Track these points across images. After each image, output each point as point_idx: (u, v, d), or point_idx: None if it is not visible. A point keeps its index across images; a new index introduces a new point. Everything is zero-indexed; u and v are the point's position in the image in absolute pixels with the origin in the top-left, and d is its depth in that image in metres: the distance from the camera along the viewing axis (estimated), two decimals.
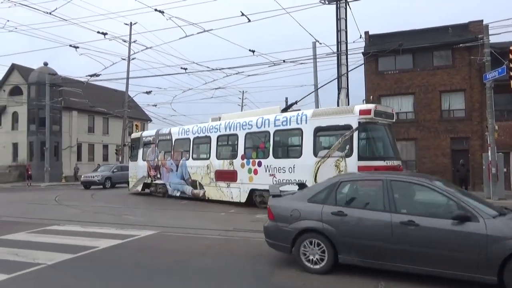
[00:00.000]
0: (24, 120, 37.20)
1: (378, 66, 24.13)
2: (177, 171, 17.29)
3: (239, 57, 62.64)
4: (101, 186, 25.53)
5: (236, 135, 14.64)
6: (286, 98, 35.93)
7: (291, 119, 13.00)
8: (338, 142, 11.74)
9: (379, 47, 23.61)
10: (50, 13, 14.98)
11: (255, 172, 13.75)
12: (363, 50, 24.32)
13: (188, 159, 16.65)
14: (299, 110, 13.67)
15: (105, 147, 44.64)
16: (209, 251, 7.41)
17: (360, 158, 11.36)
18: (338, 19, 29.81)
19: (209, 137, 15.76)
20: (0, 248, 7.66)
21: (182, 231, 9.49)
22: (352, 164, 11.32)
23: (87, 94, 35.91)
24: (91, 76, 20.08)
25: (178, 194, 17.37)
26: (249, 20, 13.63)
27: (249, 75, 18.72)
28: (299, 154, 12.45)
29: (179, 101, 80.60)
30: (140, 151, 20.18)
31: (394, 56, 23.68)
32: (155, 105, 34.42)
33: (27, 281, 5.72)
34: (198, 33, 14.64)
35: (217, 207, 14.48)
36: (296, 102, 14.34)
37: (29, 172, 31.44)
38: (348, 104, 30.96)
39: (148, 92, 36.03)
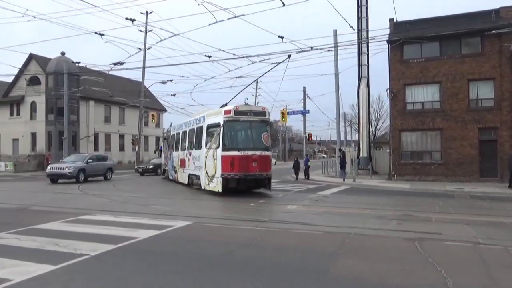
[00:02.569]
0: (42, 110, 37.38)
1: (403, 54, 23.45)
2: (171, 160, 22.20)
3: (266, 44, 62.17)
4: (73, 180, 21.34)
5: (185, 131, 18.92)
6: (304, 88, 35.39)
7: (199, 118, 16.60)
8: (215, 137, 14.92)
9: (405, 34, 22.93)
10: None
11: (189, 160, 17.95)
12: (387, 38, 23.65)
13: (173, 150, 21.41)
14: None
15: (121, 137, 44.78)
16: (253, 243, 7.16)
17: (223, 149, 14.49)
18: (359, 6, 29.16)
19: (179, 133, 20.22)
20: (39, 237, 7.52)
21: (217, 222, 9.28)
22: (219, 154, 14.54)
23: (101, 83, 35.88)
24: (115, 64, 19.87)
25: (171, 177, 22.08)
26: (284, 5, 13.15)
27: (273, 63, 18.28)
28: (201, 147, 16.00)
29: (199, 91, 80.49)
30: (165, 143, 25.11)
31: (420, 44, 22.98)
32: (174, 95, 34.24)
33: (76, 272, 5.53)
34: (228, 18, 14.23)
35: (244, 198, 14.39)
36: (226, 104, 16.14)
37: (49, 162, 31.66)
38: (369, 94, 30.45)
39: (164, 82, 35.75)
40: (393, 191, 17.56)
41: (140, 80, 39.37)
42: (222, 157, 14.43)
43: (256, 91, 61.32)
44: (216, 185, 14.74)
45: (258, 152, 14.57)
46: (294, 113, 32.89)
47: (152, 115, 39.79)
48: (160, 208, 11.75)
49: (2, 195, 15.39)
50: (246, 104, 15.34)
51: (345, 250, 6.73)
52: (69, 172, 21.08)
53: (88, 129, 40.94)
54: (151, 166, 29.51)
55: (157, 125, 49.06)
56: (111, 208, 11.62)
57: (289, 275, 5.41)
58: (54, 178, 21.54)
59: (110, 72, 26.46)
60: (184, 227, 8.59)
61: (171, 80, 30.92)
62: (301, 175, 25.58)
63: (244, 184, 14.69)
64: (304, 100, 34.39)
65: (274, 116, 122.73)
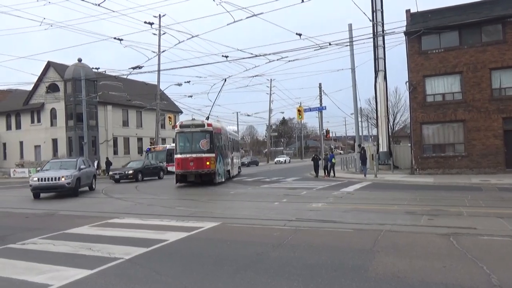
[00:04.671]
0: (62, 116, 38.11)
1: (421, 45, 23.01)
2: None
3: (283, 42, 61.94)
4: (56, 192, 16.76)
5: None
6: (320, 84, 35.10)
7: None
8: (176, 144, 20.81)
9: (422, 25, 22.46)
10: (99, 5, 14.92)
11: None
12: (404, 30, 23.25)
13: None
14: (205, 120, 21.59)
15: (139, 140, 45.33)
16: (284, 243, 7.10)
17: (176, 153, 20.70)
18: None
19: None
20: (71, 242, 7.61)
21: (245, 222, 9.25)
22: (174, 157, 21.00)
23: (119, 88, 36.27)
24: (133, 68, 20.05)
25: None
26: (303, 1, 13.02)
27: (290, 60, 18.13)
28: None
29: (215, 91, 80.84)
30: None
31: (438, 34, 22.50)
32: (190, 96, 34.48)
33: (114, 276, 5.56)
34: (247, 17, 14.18)
35: (269, 197, 14.43)
36: (208, 118, 22.51)
37: None
38: (386, 88, 30.05)
39: (180, 84, 36.00)
40: (417, 185, 17.26)
41: (156, 83, 39.75)
42: (175, 159, 20.82)
43: (270, 90, 61.24)
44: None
45: (194, 155, 20.16)
46: (310, 110, 32.70)
47: (169, 117, 40.21)
48: (185, 209, 11.80)
49: (28, 201, 15.71)
50: (193, 118, 21.24)
51: (380, 247, 6.61)
52: (67, 183, 16.16)
53: (107, 133, 41.55)
54: (130, 172, 25.54)
55: (174, 126, 49.57)
56: (138, 211, 11.71)
57: (326, 274, 5.32)
58: (40, 193, 16.39)
59: (128, 77, 26.76)
60: (212, 228, 8.58)
61: (188, 82, 30.83)
62: (320, 172, 25.38)
63: (189, 178, 20.56)
64: (320, 96, 34.15)
65: (289, 114, 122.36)
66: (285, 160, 62.47)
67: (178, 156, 20.68)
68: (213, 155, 20.40)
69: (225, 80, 25.83)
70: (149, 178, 26.76)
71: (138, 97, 39.39)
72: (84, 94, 32.80)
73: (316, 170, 25.34)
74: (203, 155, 20.22)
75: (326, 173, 24.79)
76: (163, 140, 45.22)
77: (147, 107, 39.69)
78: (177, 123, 21.81)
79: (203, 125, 20.58)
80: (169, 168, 30.12)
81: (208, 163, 20.28)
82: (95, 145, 38.09)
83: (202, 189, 19.21)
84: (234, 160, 27.94)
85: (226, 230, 8.44)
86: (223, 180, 22.09)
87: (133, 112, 44.87)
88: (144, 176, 26.17)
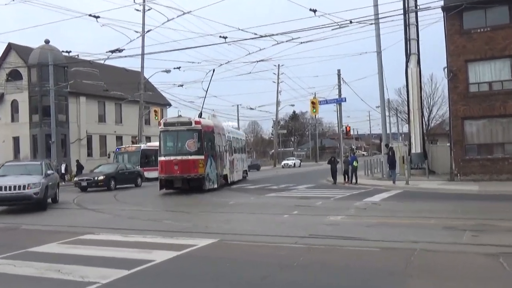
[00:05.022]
0: (25, 110, 38.25)
1: (463, 24, 22.91)
2: None
3: (294, 20, 61.87)
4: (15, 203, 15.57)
5: None
6: (339, 71, 35.06)
7: None
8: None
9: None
10: None
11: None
12: (442, 4, 23.16)
13: None
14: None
15: (119, 138, 45.46)
16: (294, 264, 7.09)
17: (160, 155, 21.97)
18: None
19: None
20: (36, 263, 7.61)
21: (247, 239, 9.25)
22: (158, 159, 22.44)
23: (94, 75, 36.33)
24: (112, 52, 20.14)
25: None
26: None
27: (302, 42, 18.12)
28: None
29: (212, 79, 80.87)
30: None
31: (484, 10, 22.39)
32: (181, 85, 34.56)
33: None
34: None
35: (276, 208, 14.47)
36: (200, 115, 23.60)
37: None
38: (420, 75, 30.09)
39: (168, 71, 36.18)
40: (458, 194, 17.19)
41: (139, 69, 39.85)
42: (159, 162, 22.00)
43: (278, 78, 61.29)
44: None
45: (179, 157, 21.03)
46: (327, 102, 32.63)
47: (155, 111, 40.35)
48: (175, 224, 11.80)
49: None
50: (180, 115, 22.14)
51: (413, 270, 6.57)
52: (35, 194, 15.05)
53: (80, 131, 41.72)
54: (100, 177, 24.78)
55: (159, 124, 49.86)
56: (116, 225, 11.73)
57: None
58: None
59: (106, 62, 26.89)
60: (208, 246, 8.58)
61: (179, 68, 30.86)
62: (339, 178, 25.34)
63: (176, 183, 21.53)
64: (339, 85, 34.09)
65: (300, 107, 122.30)
66: (294, 164, 62.65)
67: (162, 158, 21.63)
68: (202, 157, 21.27)
69: (214, 71, 26.34)
70: (123, 186, 26.27)
71: (118, 87, 39.53)
72: (52, 83, 32.92)
73: (334, 176, 25.31)
74: (190, 157, 21.13)
75: (347, 179, 24.75)
76: (148, 139, 45.38)
77: (128, 99, 39.84)
78: (161, 121, 23.20)
79: (190, 123, 21.55)
80: (146, 174, 30.17)
81: (195, 166, 21.09)
82: (65, 145, 38.25)
83: (194, 198, 19.26)
84: (236, 163, 28.29)
85: (224, 249, 8.42)
86: (216, 186, 22.57)
87: (111, 105, 45.06)
88: (117, 183, 25.76)
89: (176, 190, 22.18)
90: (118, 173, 26.26)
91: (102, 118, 44.76)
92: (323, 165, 55.87)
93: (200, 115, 23.88)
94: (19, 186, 14.95)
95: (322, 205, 14.83)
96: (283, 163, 63.14)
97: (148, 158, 33.98)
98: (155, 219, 12.87)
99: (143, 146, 34.96)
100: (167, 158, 21.43)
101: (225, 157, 25.31)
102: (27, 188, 14.93)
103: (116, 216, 13.74)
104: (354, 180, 24.17)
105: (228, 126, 30.76)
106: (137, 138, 40.20)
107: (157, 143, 37.41)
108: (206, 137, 21.99)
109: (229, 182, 25.65)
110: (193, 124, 21.54)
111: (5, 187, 14.83)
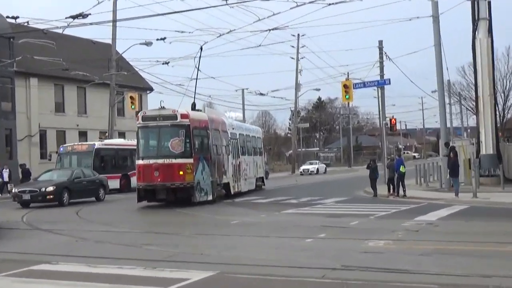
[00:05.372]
0: None
1: None
2: None
3: None
4: None
5: None
6: (380, 43, 34.88)
7: None
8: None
9: None
10: None
11: None
12: None
13: None
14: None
15: (83, 134, 45.79)
16: None
17: (138, 157, 22.99)
18: None
19: None
20: None
21: (258, 271, 9.18)
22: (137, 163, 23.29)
23: (50, 49, 36.47)
24: (74, 18, 20.18)
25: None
26: None
27: (330, 4, 18.04)
28: None
29: (208, 54, 79.31)
30: None
31: None
32: (167, 63, 34.52)
33: None
34: None
35: (296, 230, 14.43)
36: (194, 106, 24.92)
37: None
38: (492, 48, 29.94)
39: (149, 43, 36.28)
40: None
41: (110, 41, 39.92)
42: (136, 166, 23.20)
43: (297, 52, 61.22)
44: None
45: (161, 160, 21.72)
46: (365, 85, 32.55)
47: (131, 98, 40.42)
48: (158, 250, 11.80)
49: None
50: (162, 107, 22.65)
51: None
52: None
53: (30, 124, 42.01)
54: (49, 188, 24.25)
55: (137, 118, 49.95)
56: (80, 252, 11.75)
57: None
58: None
59: (65, 32, 26.89)
60: (205, 281, 8.53)
61: (163, 39, 30.74)
62: (381, 189, 25.25)
63: (158, 194, 22.35)
64: (381, 62, 33.93)
65: (328, 92, 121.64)
66: (316, 169, 62.68)
67: (140, 162, 22.57)
68: (190, 160, 21.96)
69: (201, 49, 27.09)
70: (80, 200, 25.87)
71: (82, 65, 39.77)
72: None
73: (374, 186, 25.21)
74: (174, 160, 21.82)
75: (392, 191, 24.64)
76: (122, 135, 45.61)
77: (95, 81, 40.03)
78: (139, 114, 23.99)
79: (174, 117, 22.24)
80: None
81: (181, 172, 21.77)
82: (10, 144, 38.54)
83: (183, 215, 19.39)
84: (244, 168, 28.84)
85: (227, 284, 8.38)
86: (210, 198, 23.06)
87: (72, 90, 45.36)
88: (73, 196, 25.47)
89: (159, 202, 22.59)
90: (73, 183, 25.68)
91: (60, 107, 45.06)
92: (359, 170, 55.59)
93: (193, 106, 24.30)
94: None
95: (359, 226, 14.75)
96: (301, 168, 63.08)
97: (105, 161, 33.92)
98: (132, 243, 12.88)
99: (97, 144, 34.49)
100: (146, 161, 22.12)
101: (227, 161, 25.71)
102: None
103: (79, 239, 13.73)
104: (401, 192, 24.04)
105: (232, 119, 30.96)
106: (107, 134, 40.32)
107: (121, 141, 38.07)
108: (196, 134, 22.66)
109: (232, 193, 25.98)
110: (179, 118, 22.10)
111: None
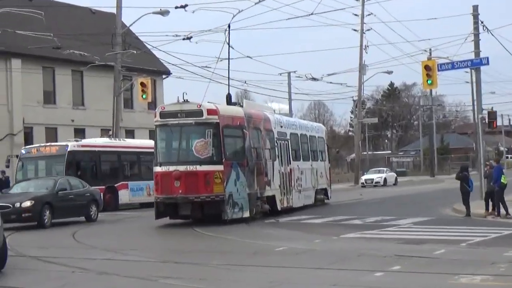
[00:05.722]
0: None
1: None
2: None
3: None
4: None
5: None
6: (475, 8, 34.45)
7: None
8: None
9: None
10: None
11: None
12: None
13: None
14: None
15: (79, 131, 46.32)
16: None
17: (155, 163, 23.91)
18: None
19: None
20: None
21: None
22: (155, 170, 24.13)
23: (37, 22, 36.99)
24: None
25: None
26: None
27: None
28: None
29: (241, 27, 79.47)
30: None
31: None
32: (188, 38, 34.76)
33: None
34: None
35: (361, 261, 14.46)
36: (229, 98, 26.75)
37: None
38: None
39: (164, 12, 36.58)
40: None
41: (113, 10, 40.23)
42: (154, 174, 23.95)
43: (362, 22, 60.84)
44: None
45: (182, 167, 22.35)
46: (453, 66, 32.18)
47: (142, 84, 40.69)
48: (180, 286, 11.94)
49: None
50: (185, 100, 23.23)
51: None
52: None
53: (13, 119, 42.66)
54: (26, 204, 23.84)
55: (153, 104, 50.00)
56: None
57: None
58: None
59: None
60: None
61: (184, 7, 30.87)
62: (476, 206, 24.96)
63: (182, 210, 23.06)
64: (476, 35, 33.47)
65: (402, 76, 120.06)
66: (383, 180, 61.40)
67: (158, 169, 23.36)
68: (220, 167, 22.66)
69: (229, 28, 28.56)
70: (66, 220, 25.85)
71: (78, 42, 40.22)
72: None
73: (466, 201, 24.94)
74: (199, 167, 22.56)
75: (491, 208, 24.33)
76: (129, 133, 46.01)
77: (96, 63, 40.41)
78: (156, 109, 24.79)
79: (199, 113, 22.95)
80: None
81: (207, 182, 22.47)
82: None
83: (211, 239, 19.56)
84: (298, 177, 29.26)
85: None
86: (246, 215, 23.50)
87: (66, 74, 45.92)
88: (56, 214, 25.14)
89: (184, 219, 23.47)
90: (56, 197, 25.21)
91: (50, 98, 45.70)
92: (446, 181, 54.82)
93: (228, 98, 25.54)
94: None
95: (446, 256, 14.63)
96: (363, 178, 62.14)
97: (82, 168, 32.94)
98: (146, 275, 12.98)
99: (71, 145, 33.34)
100: (165, 168, 22.83)
101: (271, 168, 26.06)
102: None
103: (77, 269, 13.85)
104: (503, 210, 23.75)
105: (279, 115, 31.07)
106: (110, 132, 40.68)
107: (105, 140, 37.59)
108: (228, 134, 23.28)
109: (279, 208, 26.39)
110: (205, 115, 22.72)
111: None
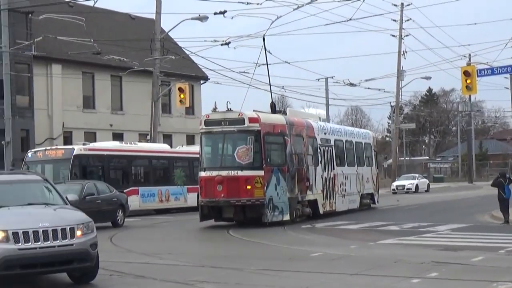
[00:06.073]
0: None
1: None
2: None
3: None
4: None
5: None
6: None
7: None
8: None
9: None
10: None
11: None
12: None
13: None
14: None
15: (118, 136, 46.67)
16: None
17: (200, 168, 25.46)
18: None
19: None
20: None
21: None
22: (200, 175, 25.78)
23: (78, 28, 37.34)
24: None
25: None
26: None
27: None
28: None
29: (280, 32, 79.73)
30: None
31: None
32: (227, 44, 34.82)
33: None
34: None
35: (397, 267, 14.41)
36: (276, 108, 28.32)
37: None
38: None
39: (203, 18, 36.72)
40: None
41: (153, 16, 40.54)
42: (199, 179, 25.57)
43: (400, 28, 60.48)
44: None
45: (224, 172, 23.71)
46: (493, 71, 31.88)
47: (180, 89, 40.93)
48: None
49: None
50: (228, 109, 24.61)
51: None
52: (92, 246, 12.59)
53: (53, 123, 43.18)
54: None
55: (191, 109, 50.26)
56: None
57: None
58: None
59: (98, 4, 27.31)
60: None
61: (223, 13, 31.02)
62: None
63: (225, 212, 24.30)
64: None
65: (441, 81, 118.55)
66: (415, 186, 60.50)
67: (202, 174, 24.97)
68: (261, 172, 23.90)
69: (264, 39, 29.09)
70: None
71: (118, 47, 40.53)
72: (5, 41, 34.16)
73: (505, 208, 24.70)
74: (240, 172, 23.84)
75: None
76: (167, 137, 46.22)
77: (134, 68, 40.69)
78: (202, 117, 26.17)
79: (241, 121, 24.32)
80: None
81: (248, 186, 23.68)
82: (27, 148, 39.54)
83: (247, 243, 19.80)
84: (339, 182, 30.10)
85: None
86: (286, 218, 24.33)
87: (105, 79, 46.36)
88: None
89: (228, 222, 24.49)
90: (84, 202, 24.06)
91: (89, 102, 46.18)
92: (484, 188, 54.17)
93: (273, 107, 27.01)
94: (57, 231, 11.95)
95: (484, 263, 14.49)
96: (394, 185, 61.26)
97: (89, 173, 32.41)
98: (182, 279, 13.04)
99: (78, 149, 32.51)
100: (209, 173, 24.35)
101: (313, 173, 27.04)
102: (73, 235, 12.09)
103: (115, 273, 14.01)
104: None
105: (324, 122, 32.09)
106: (148, 136, 40.99)
107: (115, 144, 37.08)
108: (269, 141, 24.58)
109: (321, 212, 27.38)
110: (247, 123, 24.03)
111: (37, 234, 11.66)
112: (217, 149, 25.21)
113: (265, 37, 29.67)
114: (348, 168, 31.24)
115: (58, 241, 11.69)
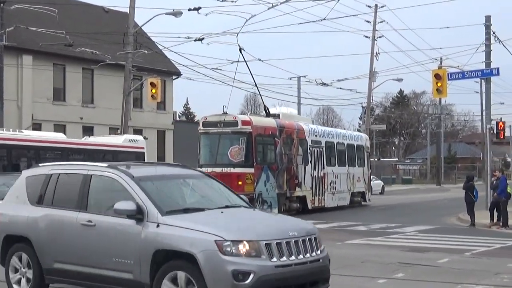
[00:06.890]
0: None
1: None
2: None
3: None
4: None
5: None
6: (488, 18, 34.33)
7: None
8: None
9: None
10: None
11: None
12: None
13: None
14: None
15: (88, 129, 46.24)
16: None
17: (197, 167, 25.20)
18: None
19: None
20: None
21: None
22: None
23: (50, 19, 37.02)
24: None
25: None
26: None
27: None
28: None
29: (254, 30, 79.01)
30: None
31: None
32: (200, 39, 34.65)
33: None
34: None
35: (365, 267, 14.45)
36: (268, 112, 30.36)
37: None
38: None
39: (177, 13, 36.59)
40: None
41: (126, 9, 40.34)
42: None
43: (374, 30, 60.70)
44: None
45: (218, 169, 25.61)
46: (464, 75, 32.12)
47: (152, 84, 40.67)
48: None
49: None
50: (224, 112, 27.33)
51: None
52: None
53: (22, 115, 42.72)
54: None
55: (162, 104, 49.98)
56: None
57: None
58: None
59: None
60: None
61: (197, 9, 30.95)
62: (481, 216, 24.93)
63: None
64: (488, 46, 33.38)
65: (412, 84, 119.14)
66: (381, 189, 59.48)
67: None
68: (251, 170, 25.96)
69: (241, 51, 30.44)
70: None
71: (90, 40, 40.24)
72: None
73: (471, 211, 24.91)
74: (232, 170, 26.11)
75: (495, 219, 24.29)
76: (138, 132, 45.96)
77: (107, 61, 40.36)
78: (201, 119, 29.18)
79: (235, 123, 26.84)
80: None
81: (240, 182, 25.76)
82: None
83: None
84: (329, 181, 32.23)
85: None
86: (276, 211, 25.86)
87: (77, 72, 45.89)
88: None
89: None
90: None
91: (60, 94, 45.65)
92: (452, 190, 54.61)
93: (266, 111, 29.09)
94: (306, 243, 10.02)
95: (450, 265, 14.63)
96: None
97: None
98: None
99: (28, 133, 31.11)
100: (204, 170, 24.52)
101: (302, 171, 29.23)
102: (318, 247, 10.35)
103: None
104: (506, 220, 23.72)
105: (317, 126, 34.63)
106: (118, 130, 40.67)
107: (39, 134, 36.43)
108: (260, 142, 26.71)
109: (309, 207, 29.54)
110: (240, 125, 26.59)
111: (287, 247, 9.58)
112: (212, 148, 27.50)
113: (239, 35, 31.12)
114: (339, 168, 33.27)
115: (308, 255, 9.79)
